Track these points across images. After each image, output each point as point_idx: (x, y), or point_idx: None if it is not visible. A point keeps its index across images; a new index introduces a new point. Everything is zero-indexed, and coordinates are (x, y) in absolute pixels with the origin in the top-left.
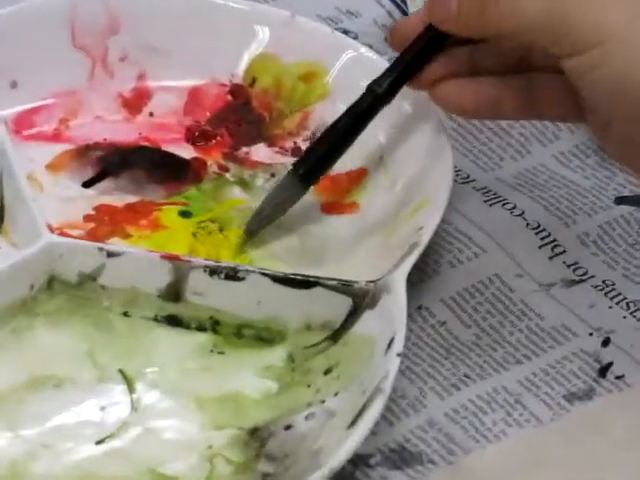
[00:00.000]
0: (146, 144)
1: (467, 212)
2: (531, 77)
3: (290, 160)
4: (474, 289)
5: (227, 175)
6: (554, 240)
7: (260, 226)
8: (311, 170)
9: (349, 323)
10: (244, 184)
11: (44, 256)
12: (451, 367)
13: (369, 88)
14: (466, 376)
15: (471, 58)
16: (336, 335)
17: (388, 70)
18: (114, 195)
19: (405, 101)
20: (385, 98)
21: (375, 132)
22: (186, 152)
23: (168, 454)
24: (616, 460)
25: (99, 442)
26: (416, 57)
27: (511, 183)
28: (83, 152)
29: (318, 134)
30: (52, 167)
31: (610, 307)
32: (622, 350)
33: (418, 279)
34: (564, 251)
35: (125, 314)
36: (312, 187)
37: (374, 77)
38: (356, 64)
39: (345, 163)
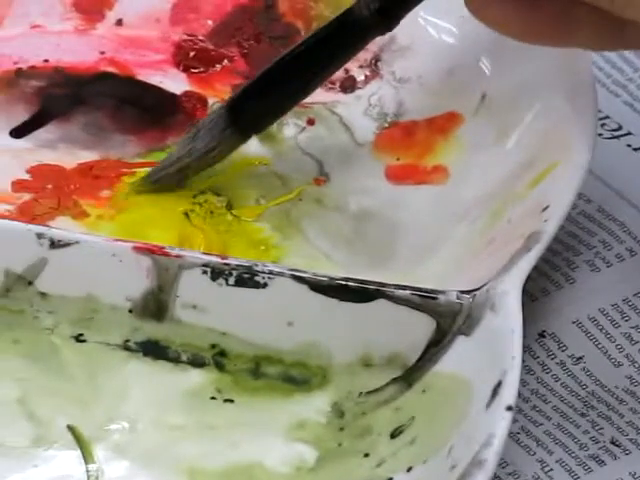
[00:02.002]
0: (111, 70)
1: (619, 184)
2: None
3: (339, 98)
4: (628, 306)
5: None
6: None
7: (166, 176)
8: (248, 112)
9: (431, 357)
10: (266, 134)
11: None
12: (591, 429)
13: (352, 8)
14: (615, 443)
15: None
16: (410, 376)
17: None
18: (61, 150)
19: None
20: (376, 23)
21: (473, 53)
22: (175, 83)
23: None
24: None
25: None
26: None
27: None
28: (12, 81)
29: (384, 57)
30: None
31: None
32: None
33: (540, 290)
34: None
35: (78, 339)
36: (379, 145)
37: None
38: None
39: (426, 104)
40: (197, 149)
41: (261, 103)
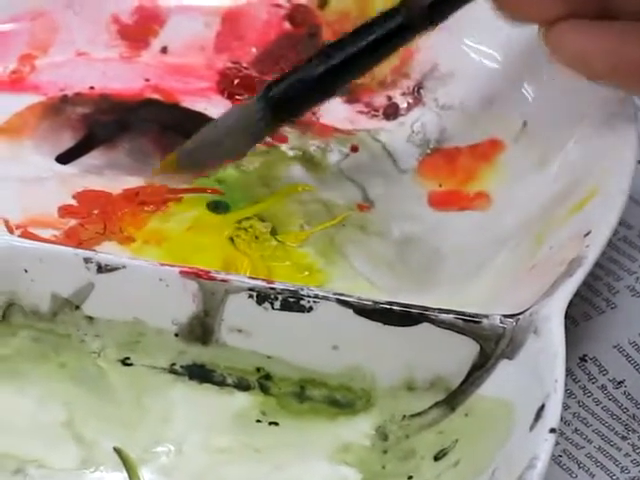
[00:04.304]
0: (156, 97)
1: None
2: None
3: (382, 125)
4: None
5: (284, 147)
6: None
7: (196, 160)
8: (287, 99)
9: (474, 381)
10: (310, 161)
11: None
12: (632, 452)
13: (403, 3)
14: None
15: None
16: (454, 399)
17: None
18: (106, 176)
19: None
20: (422, 22)
21: (516, 80)
22: (219, 110)
23: None
24: None
25: None
26: None
27: None
28: (58, 108)
29: (427, 84)
30: (8, 131)
31: None
32: None
33: (581, 314)
34: None
35: (124, 362)
36: (422, 171)
37: None
38: None
39: (468, 131)
40: (228, 136)
41: (303, 92)
